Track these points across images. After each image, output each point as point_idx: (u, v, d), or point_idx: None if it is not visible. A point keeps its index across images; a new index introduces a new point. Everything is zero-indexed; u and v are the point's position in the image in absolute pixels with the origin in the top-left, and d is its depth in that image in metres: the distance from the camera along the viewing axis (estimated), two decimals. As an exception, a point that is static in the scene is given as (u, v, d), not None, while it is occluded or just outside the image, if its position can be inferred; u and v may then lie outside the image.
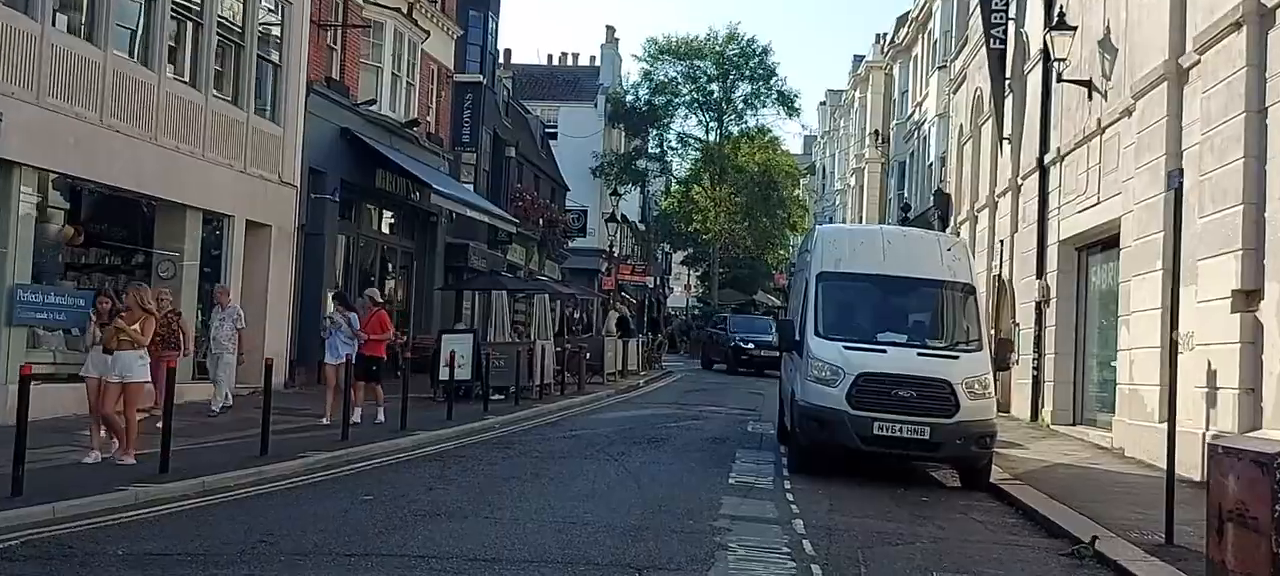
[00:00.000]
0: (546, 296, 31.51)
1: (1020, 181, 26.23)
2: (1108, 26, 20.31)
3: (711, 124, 60.80)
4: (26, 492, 10.04)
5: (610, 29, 65.90)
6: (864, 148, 57.70)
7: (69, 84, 17.49)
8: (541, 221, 43.97)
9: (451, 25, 33.09)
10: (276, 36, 24.03)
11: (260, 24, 23.37)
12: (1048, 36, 21.99)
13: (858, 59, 64.63)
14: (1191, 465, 15.20)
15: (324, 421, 17.46)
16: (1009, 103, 27.22)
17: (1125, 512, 12.35)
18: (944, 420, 14.08)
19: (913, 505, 13.10)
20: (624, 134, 62.39)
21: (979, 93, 31.30)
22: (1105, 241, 20.89)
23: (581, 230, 52.47)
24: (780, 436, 18.06)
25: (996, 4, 27.45)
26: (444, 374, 23.71)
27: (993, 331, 19.65)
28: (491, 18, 36.24)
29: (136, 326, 12.56)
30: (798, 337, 15.65)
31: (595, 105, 60.54)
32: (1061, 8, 22.14)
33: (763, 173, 61.46)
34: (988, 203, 29.81)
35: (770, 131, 64.92)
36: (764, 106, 60.89)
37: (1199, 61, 15.75)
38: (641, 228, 71.69)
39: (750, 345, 41.90)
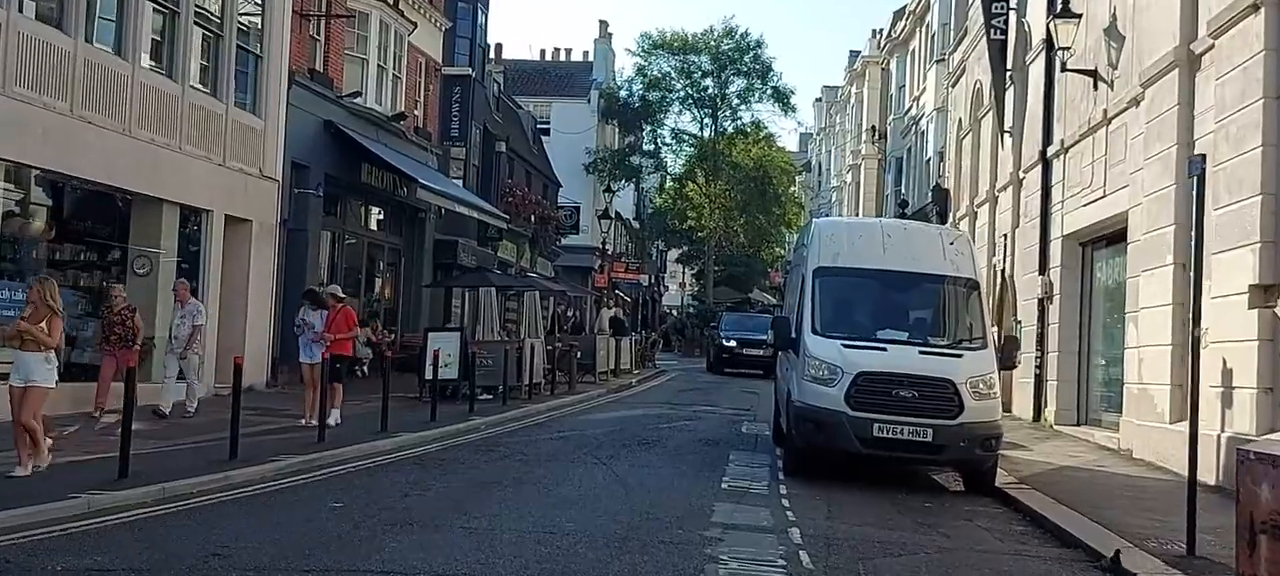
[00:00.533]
0: (537, 294, 30.86)
1: (1022, 175, 25.58)
2: (1114, 13, 19.65)
3: (706, 120, 60.11)
4: (-33, 501, 9.38)
5: (603, 24, 65.73)
6: (861, 144, 57.05)
7: (38, 73, 16.77)
8: (533, 218, 43.26)
9: (439, 17, 32.39)
10: (257, 26, 23.30)
11: (240, 13, 22.65)
12: (1051, 24, 21.32)
13: (854, 54, 63.99)
14: (1206, 468, 14.52)
15: (303, 422, 16.80)
16: (1010, 95, 26.58)
17: (1140, 519, 11.69)
18: (947, 421, 13.42)
19: (915, 512, 12.44)
20: (618, 130, 61.67)
21: (978, 85, 30.65)
22: (1111, 236, 20.24)
23: (574, 227, 51.69)
24: (776, 438, 17.39)
25: (997, -7, 26.81)
26: (430, 373, 23.20)
27: (994, 329, 18.97)
28: (481, 10, 35.55)
29: (42, 325, 11.48)
30: (794, 335, 14.98)
31: (588, 101, 59.82)
32: (1065, -5, 21.49)
33: (758, 169, 60.74)
34: (988, 198, 29.18)
35: (765, 128, 64.37)
36: (759, 102, 60.31)
37: (1213, 46, 15.10)
38: (636, 225, 70.98)
39: (732, 343, 40.11)
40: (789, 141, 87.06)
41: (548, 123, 57.59)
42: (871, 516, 11.86)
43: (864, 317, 14.96)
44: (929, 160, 39.80)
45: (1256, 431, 13.25)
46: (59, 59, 17.27)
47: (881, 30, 56.15)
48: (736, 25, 59.81)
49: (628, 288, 66.48)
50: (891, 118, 49.87)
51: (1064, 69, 21.51)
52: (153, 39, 20.39)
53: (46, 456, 11.58)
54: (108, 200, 20.24)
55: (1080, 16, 20.80)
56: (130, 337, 15.94)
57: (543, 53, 66.38)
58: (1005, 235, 26.57)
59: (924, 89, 41.82)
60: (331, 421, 16.63)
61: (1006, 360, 14.64)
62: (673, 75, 59.40)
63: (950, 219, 33.03)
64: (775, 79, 59.70)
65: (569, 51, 66.18)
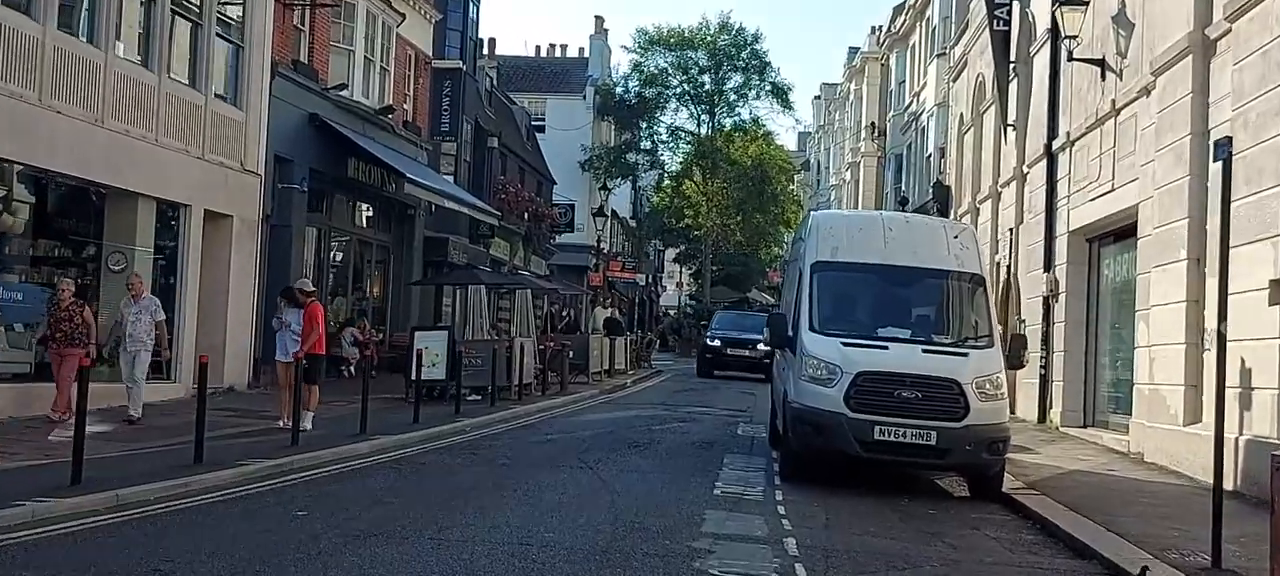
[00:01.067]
0: (528, 292, 30.18)
1: (1026, 170, 24.88)
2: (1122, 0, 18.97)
3: (703, 116, 59.37)
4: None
5: (599, 20, 64.65)
6: (860, 141, 56.33)
7: (3, 60, 16.10)
8: (526, 215, 42.53)
9: (429, 9, 31.64)
10: (238, 16, 22.60)
11: (221, 2, 21.97)
12: (1057, 12, 20.60)
13: (853, 51, 63.27)
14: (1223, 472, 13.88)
15: (280, 424, 16.08)
16: (1013, 87, 25.88)
17: (1157, 528, 11.00)
18: (952, 424, 12.71)
19: (919, 519, 11.74)
20: (614, 127, 60.94)
21: (980, 79, 29.97)
22: (1120, 231, 19.55)
23: (569, 225, 50.94)
24: (772, 441, 16.69)
25: (1000, -17, 26.09)
26: (416, 373, 22.53)
27: (1000, 327, 18.25)
28: (472, 3, 34.81)
29: None
30: (791, 333, 14.27)
31: (584, 97, 59.08)
32: (1071, -18, 20.77)
33: (755, 166, 60.01)
34: (990, 194, 28.49)
35: (763, 126, 63.66)
36: (757, 99, 59.57)
37: (1229, 31, 14.40)
38: (633, 224, 70.26)
39: (717, 343, 37.54)
40: (788, 140, 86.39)
41: (543, 120, 56.87)
42: (872, 525, 11.16)
43: (864, 315, 14.27)
44: (929, 156, 39.10)
45: (1278, 434, 12.55)
46: (26, 46, 16.58)
47: (881, 26, 55.45)
48: (733, 20, 58.99)
49: (624, 287, 65.79)
50: (891, 114, 49.15)
51: (1071, 58, 20.79)
52: (128, 27, 19.74)
53: None
54: (81, 194, 19.60)
55: (1087, 3, 20.08)
56: (78, 336, 14.95)
57: (538, 49, 65.72)
58: (1010, 231, 25.88)
59: (924, 84, 41.11)
60: (307, 424, 15.96)
61: (1013, 359, 13.91)
62: (669, 71, 58.68)
63: (952, 216, 32.29)
64: (773, 75, 59.02)
65: (564, 48, 65.50)
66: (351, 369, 27.37)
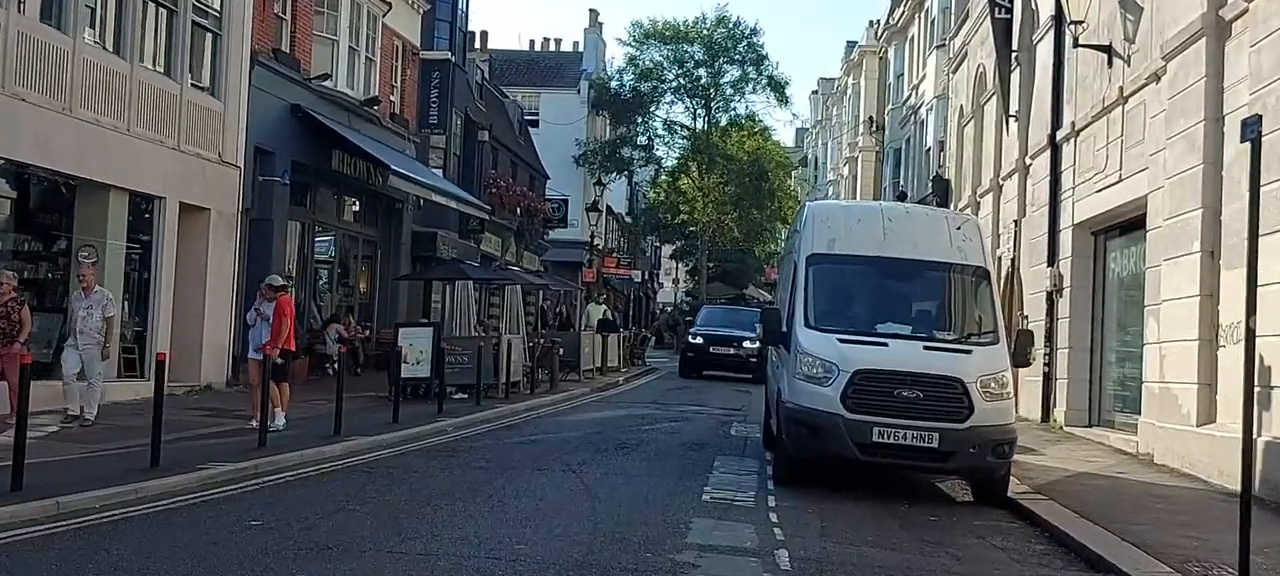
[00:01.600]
0: (519, 288, 29.47)
1: (1028, 161, 24.14)
2: (1131, -17, 18.26)
3: (699, 110, 58.59)
4: None
5: (594, 13, 63.54)
6: (857, 136, 55.58)
7: (-38, 46, 15.43)
8: (518, 210, 41.76)
9: (417, -1, 30.95)
10: (216, 3, 21.85)
11: (197, -13, 21.27)
12: (1062, -4, 19.89)
13: (851, 44, 62.50)
14: (1238, 475, 13.18)
15: (253, 424, 15.33)
16: (1015, 77, 25.14)
17: (1174, 536, 10.28)
18: (955, 425, 11.99)
19: (920, 527, 11.01)
20: (609, 121, 60.17)
21: (981, 69, 29.25)
22: (1127, 223, 18.84)
23: (562, 220, 50.16)
24: (766, 441, 15.97)
25: (1002, -30, 25.35)
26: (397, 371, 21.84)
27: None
28: (462, -8, 34.09)
29: None
30: (785, 329, 13.55)
31: (578, 92, 58.28)
32: (1077, -34, 20.05)
33: (752, 161, 59.24)
34: (991, 187, 27.76)
35: (760, 121, 62.90)
36: (753, 93, 58.77)
37: (1246, 10, 13.69)
38: (628, 220, 69.50)
39: (699, 340, 34.61)
40: (786, 136, 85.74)
41: (536, 114, 56.09)
42: (870, 534, 10.44)
43: (862, 310, 13.54)
44: (928, 150, 38.38)
45: (1301, 436, 11.86)
46: (-13, 31, 15.90)
47: (879, 21, 54.72)
48: (729, 13, 58.10)
49: (620, 283, 65.06)
50: (889, 108, 48.43)
51: (1076, 45, 20.07)
52: (97, 12, 19.02)
53: None
54: (49, 185, 18.91)
55: (1093, -12, 19.38)
56: (14, 333, 14.15)
57: (532, 43, 65.03)
58: (1013, 223, 25.15)
59: (923, 77, 40.39)
60: (277, 424, 15.25)
61: (1019, 357, 13.15)
62: (664, 65, 57.83)
63: (952, 210, 31.59)
64: (770, 68, 58.19)
65: (558, 42, 64.82)
66: (335, 366, 26.67)
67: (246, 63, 22.70)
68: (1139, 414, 17.15)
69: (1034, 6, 24.30)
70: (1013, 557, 9.88)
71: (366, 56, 27.69)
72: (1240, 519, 8.45)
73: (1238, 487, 12.77)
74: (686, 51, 57.42)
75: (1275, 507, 11.74)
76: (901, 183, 43.09)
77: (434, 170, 32.38)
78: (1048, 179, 22.25)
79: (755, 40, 57.88)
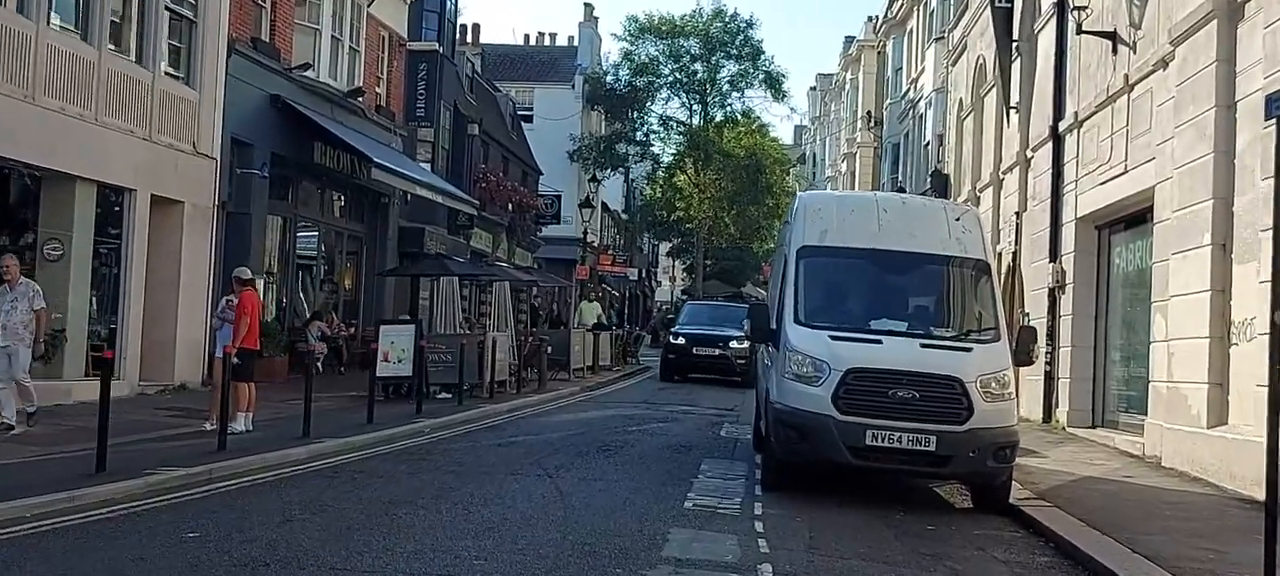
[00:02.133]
0: (506, 285, 28.74)
1: (1029, 154, 23.42)
2: (1137, -34, 17.54)
3: (695, 106, 57.78)
4: None
5: (588, 7, 62.72)
6: (856, 132, 54.87)
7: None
8: (510, 206, 40.99)
9: (404, -12, 30.22)
10: (190, -11, 21.16)
11: (170, -27, 20.56)
12: (1065, -17, 19.17)
13: (849, 40, 61.76)
14: (1253, 481, 12.46)
15: (209, 426, 14.60)
16: (1016, 67, 24.41)
17: (1189, 548, 9.56)
18: (954, 427, 11.27)
19: (916, 537, 10.29)
20: (604, 117, 59.39)
21: (981, 61, 28.53)
22: (1133, 216, 18.14)
23: (555, 216, 49.39)
24: (756, 443, 15.24)
25: (1002, -41, 24.61)
26: (381, 369, 21.12)
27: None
28: (451, -17, 33.35)
29: None
30: (774, 326, 12.83)
31: (573, 87, 57.49)
32: (1080, -49, 19.32)
33: (749, 157, 58.47)
34: (991, 181, 27.06)
35: (757, 117, 62.15)
36: (750, 88, 57.96)
37: (1261, -11, 12.98)
38: (624, 217, 68.74)
39: (681, 341, 31.40)
40: (784, 132, 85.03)
41: (530, 109, 55.32)
42: (863, 544, 9.73)
43: (856, 305, 12.81)
44: (927, 144, 37.67)
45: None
46: (-58, 14, 15.20)
47: (877, 16, 53.95)
48: (726, 6, 57.15)
49: (615, 281, 64.33)
50: (888, 102, 47.70)
51: (1079, 32, 19.36)
52: (64, -3, 18.36)
53: None
54: (13, 177, 18.24)
55: (1097, -27, 18.67)
56: None
57: (527, 37, 64.18)
58: (1014, 217, 24.42)
59: (922, 70, 39.67)
60: (240, 427, 14.56)
61: (1022, 355, 12.41)
62: (660, 59, 57.03)
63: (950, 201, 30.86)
64: (767, 63, 57.38)
65: (553, 36, 64.00)
66: (319, 365, 25.98)
67: (223, 51, 22.03)
68: (1145, 414, 16.46)
69: (1036, -6, 23.61)
70: (1016, 571, 9.17)
71: (350, 46, 26.97)
72: (1266, 531, 7.72)
73: (1252, 493, 12.16)
74: (682, 46, 56.65)
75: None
76: (900, 178, 42.39)
77: (422, 164, 31.67)
78: (1049, 172, 21.54)
79: (752, 35, 57.13)
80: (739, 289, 69.60)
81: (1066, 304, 20.42)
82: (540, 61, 60.14)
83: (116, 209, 19.75)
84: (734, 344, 29.47)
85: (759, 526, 10.09)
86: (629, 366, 36.39)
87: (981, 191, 28.06)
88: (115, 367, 19.63)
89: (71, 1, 18.46)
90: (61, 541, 8.33)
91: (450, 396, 20.82)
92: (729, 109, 58.38)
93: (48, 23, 17.59)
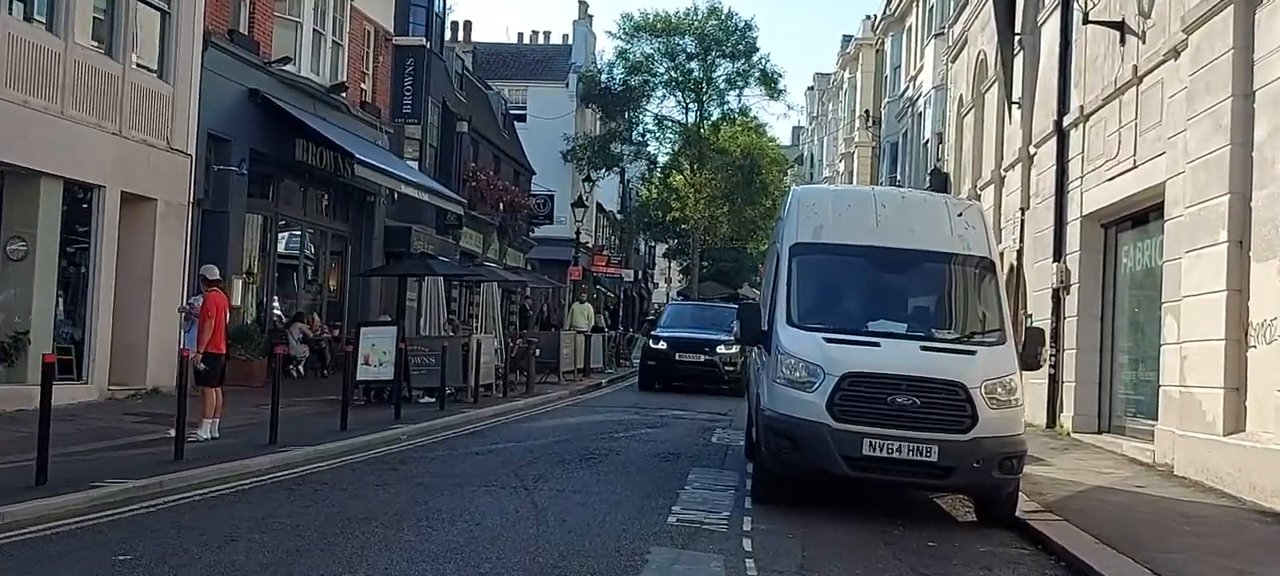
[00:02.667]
0: (494, 286, 28.00)
1: (1032, 150, 22.68)
2: (1146, -48, 16.81)
3: (691, 105, 56.99)
4: None
5: (583, 5, 61.86)
6: (853, 131, 54.12)
7: None
8: (501, 206, 40.21)
9: (390, -19, 29.44)
10: (164, -22, 20.41)
11: (142, -39, 19.80)
12: (1070, -29, 18.43)
13: (847, 39, 61.00)
14: (1275, 492, 11.76)
15: (171, 432, 13.86)
16: (1019, 61, 23.66)
17: (1213, 568, 8.89)
18: (957, 436, 10.51)
19: (915, 554, 9.55)
20: (598, 116, 58.61)
21: (982, 56, 27.80)
22: (1142, 213, 17.40)
23: (548, 216, 48.61)
24: (748, 451, 14.46)
25: (1005, -51, 23.84)
26: (361, 372, 20.43)
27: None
28: (439, -23, 32.58)
29: None
30: (765, 328, 12.08)
31: (567, 85, 56.70)
32: (1086, -62, 18.61)
33: (745, 156, 57.69)
34: (993, 179, 26.31)
35: (754, 116, 61.40)
36: (746, 86, 57.17)
37: (1282, -29, 12.25)
38: (619, 217, 67.95)
39: (661, 346, 28.15)
40: (783, 132, 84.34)
41: (524, 108, 54.55)
42: (859, 564, 8.99)
43: (852, 305, 12.06)
44: (926, 143, 36.93)
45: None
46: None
47: (875, 14, 53.22)
48: (721, 4, 56.28)
49: (610, 283, 63.58)
50: (886, 101, 46.97)
51: (1086, 22, 18.66)
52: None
53: None
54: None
55: (1104, -40, 17.94)
56: None
57: (520, 35, 63.43)
58: (1016, 215, 23.66)
59: (921, 67, 38.94)
60: (205, 434, 13.84)
61: (1029, 358, 11.62)
62: (655, 58, 56.24)
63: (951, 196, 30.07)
64: (763, 61, 56.61)
65: (547, 35, 63.21)
66: (300, 368, 25.28)
67: (198, 44, 21.27)
68: (1155, 420, 15.74)
69: (1039, -15, 22.87)
70: (1025, 594, 8.43)
71: (334, 40, 26.22)
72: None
73: (1273, 505, 11.43)
74: (678, 44, 55.86)
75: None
76: (898, 178, 41.67)
77: (409, 162, 30.93)
78: (1054, 168, 20.80)
79: (748, 33, 56.35)
80: (736, 290, 68.81)
81: (1071, 305, 19.68)
82: (533, 60, 59.39)
83: (85, 206, 19.03)
84: (722, 349, 27.09)
85: (747, 544, 9.35)
86: (622, 369, 35.62)
87: (982, 190, 27.32)
88: (83, 371, 19.02)
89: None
90: (-20, 562, 7.59)
91: (433, 401, 20.11)
92: (726, 107, 57.62)
93: (10, 11, 16.86)
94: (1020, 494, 11.52)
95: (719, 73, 56.46)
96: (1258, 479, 12.18)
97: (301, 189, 26.65)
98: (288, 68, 24.10)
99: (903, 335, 11.46)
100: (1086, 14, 18.38)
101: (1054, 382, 20.08)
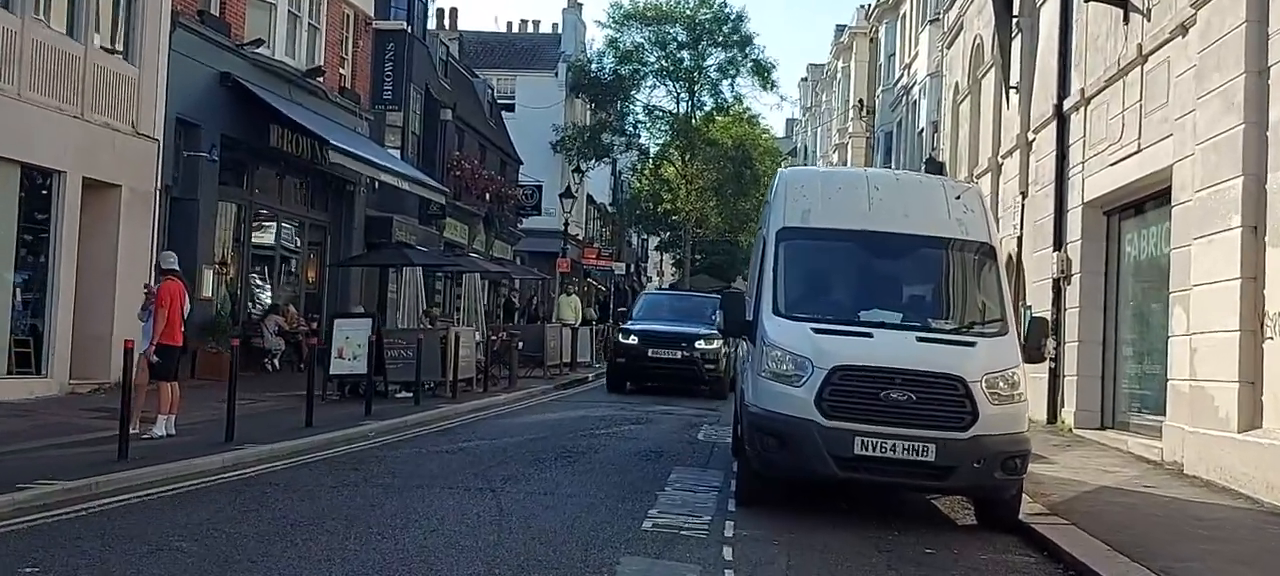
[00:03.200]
0: (476, 277, 27.19)
1: (1031, 136, 21.91)
2: (1151, -76, 16.03)
3: (682, 95, 56.13)
4: None
5: (572, -8, 61.12)
6: (847, 122, 53.34)
7: None
8: (487, 196, 39.35)
9: (369, -36, 28.61)
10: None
11: (106, -62, 19.00)
12: (1071, -53, 17.65)
13: (840, 28, 60.21)
14: (1292, 493, 11.00)
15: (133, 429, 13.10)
16: (1016, 44, 22.89)
17: (1236, 579, 8.06)
18: (956, 434, 9.73)
19: (912, 564, 8.78)
20: (589, 106, 57.73)
21: (978, 41, 27.04)
22: (1146, 199, 16.67)
23: (536, 208, 47.73)
24: (735, 448, 13.65)
25: (1002, -72, 23.04)
26: (335, 367, 19.69)
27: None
28: (420, -40, 31.75)
29: None
30: (751, 318, 11.30)
31: (556, 75, 55.83)
32: (1088, -87, 17.83)
33: (737, 147, 56.86)
34: (990, 166, 25.56)
35: (747, 107, 60.52)
36: (738, 76, 56.31)
37: (1301, -63, 11.48)
38: (611, 210, 67.08)
39: (632, 340, 24.45)
40: (776, 123, 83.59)
41: (513, 98, 53.67)
42: (850, 574, 8.20)
43: (842, 294, 11.29)
44: (921, 132, 36.20)
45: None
46: None
47: (869, 2, 52.44)
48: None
49: (601, 275, 62.79)
50: (880, 90, 46.22)
51: (1087, 0, 17.86)
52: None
53: None
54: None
55: (1107, -66, 17.14)
56: None
57: (509, 24, 62.67)
58: (1015, 203, 22.90)
59: (916, 55, 38.20)
60: (159, 431, 13.09)
61: (1032, 350, 10.85)
62: (645, 47, 55.36)
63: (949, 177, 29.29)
64: (755, 51, 55.72)
65: (537, 23, 62.45)
66: (276, 362, 24.50)
67: (166, 24, 20.49)
68: (1161, 415, 15.01)
69: (1038, -36, 22.08)
70: (1031, 609, 7.66)
71: (310, 23, 25.43)
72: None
73: (1294, 507, 10.68)
74: (668, 33, 54.97)
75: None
76: (893, 167, 40.90)
77: (390, 150, 30.11)
78: (1053, 154, 20.05)
79: (740, 23, 55.49)
80: (729, 284, 68.00)
81: (1073, 296, 18.93)
82: (522, 49, 58.52)
83: (44, 193, 18.27)
84: (701, 345, 23.87)
85: (728, 553, 8.58)
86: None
87: (979, 178, 26.53)
88: (42, 364, 18.26)
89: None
90: None
91: (410, 396, 19.37)
92: (718, 97, 56.74)
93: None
94: (1023, 495, 10.76)
95: (710, 62, 55.64)
96: (1276, 478, 11.44)
97: (277, 177, 25.83)
98: (261, 51, 23.31)
99: (897, 325, 10.67)
100: (1089, -9, 17.61)
101: (1055, 376, 19.33)
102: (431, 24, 39.29)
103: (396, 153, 30.65)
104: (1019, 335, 10.84)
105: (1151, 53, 15.91)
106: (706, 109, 56.66)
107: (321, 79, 25.65)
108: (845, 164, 52.55)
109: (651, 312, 26.62)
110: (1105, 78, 17.70)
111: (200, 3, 21.89)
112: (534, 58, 57.30)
